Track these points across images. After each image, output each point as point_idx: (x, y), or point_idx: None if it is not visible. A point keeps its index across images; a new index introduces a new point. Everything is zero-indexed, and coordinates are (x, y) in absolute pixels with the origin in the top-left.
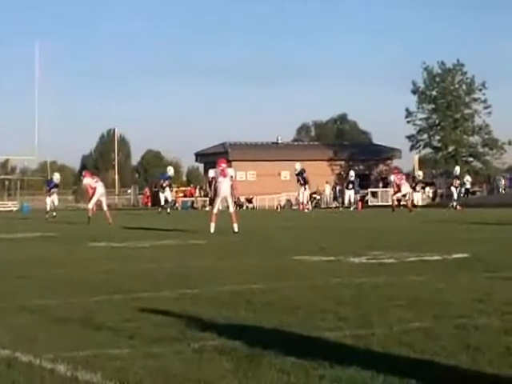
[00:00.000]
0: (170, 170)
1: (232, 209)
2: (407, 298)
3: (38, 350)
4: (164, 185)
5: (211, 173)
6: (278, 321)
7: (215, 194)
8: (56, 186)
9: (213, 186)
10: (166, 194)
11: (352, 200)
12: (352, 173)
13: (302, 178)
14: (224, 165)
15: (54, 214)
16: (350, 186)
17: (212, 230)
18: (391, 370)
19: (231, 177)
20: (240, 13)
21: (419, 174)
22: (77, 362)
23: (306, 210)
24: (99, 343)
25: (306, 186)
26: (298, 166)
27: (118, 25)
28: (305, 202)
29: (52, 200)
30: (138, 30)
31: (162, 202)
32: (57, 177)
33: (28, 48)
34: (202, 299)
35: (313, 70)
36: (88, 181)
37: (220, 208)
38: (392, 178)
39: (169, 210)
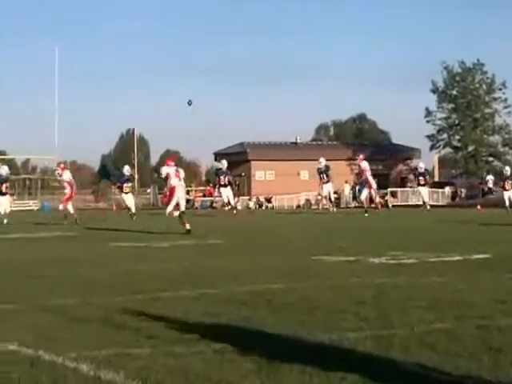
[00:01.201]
0: (128, 171)
1: (183, 208)
2: (428, 299)
3: (60, 349)
4: (126, 190)
5: (164, 170)
6: (299, 321)
7: (171, 194)
8: (128, 179)
9: (168, 184)
10: (127, 199)
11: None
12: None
13: (326, 175)
14: (172, 163)
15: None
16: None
17: (188, 227)
18: (413, 371)
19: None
20: (243, 13)
21: (421, 166)
22: (99, 362)
23: (331, 209)
24: (121, 343)
25: (330, 184)
26: (322, 160)
27: (128, 24)
28: (332, 199)
29: (125, 198)
30: (150, 30)
31: (129, 206)
32: (6, 170)
33: (47, 49)
34: (222, 299)
35: (332, 69)
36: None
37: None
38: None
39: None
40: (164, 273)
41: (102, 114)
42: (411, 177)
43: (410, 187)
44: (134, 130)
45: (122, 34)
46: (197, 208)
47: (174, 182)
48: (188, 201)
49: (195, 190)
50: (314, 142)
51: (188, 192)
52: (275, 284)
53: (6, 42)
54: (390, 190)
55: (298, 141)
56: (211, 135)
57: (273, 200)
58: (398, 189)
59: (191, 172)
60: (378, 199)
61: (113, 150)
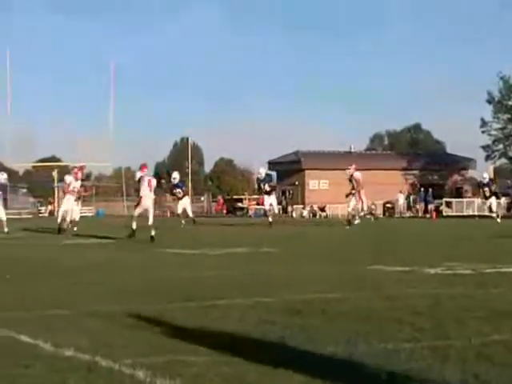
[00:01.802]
0: (176, 177)
1: (151, 221)
2: (485, 310)
3: (116, 356)
4: (179, 196)
5: (138, 174)
6: (354, 331)
7: (138, 203)
8: (177, 185)
9: (141, 190)
10: (179, 205)
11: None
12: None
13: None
14: (146, 170)
15: (186, 220)
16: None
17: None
18: (470, 383)
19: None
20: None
21: (484, 176)
22: (155, 368)
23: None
24: (176, 350)
25: (361, 193)
26: (352, 169)
27: (183, 31)
28: (361, 213)
29: (184, 204)
30: (207, 38)
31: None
32: (5, 176)
33: (103, 57)
34: (277, 307)
35: (386, 79)
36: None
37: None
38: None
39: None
40: (217, 280)
41: (157, 121)
42: (467, 187)
43: (469, 197)
44: (188, 138)
45: (178, 42)
46: (250, 216)
47: (143, 191)
48: (242, 209)
49: (249, 199)
50: (368, 152)
51: (242, 200)
52: (330, 293)
53: (66, 48)
54: (444, 200)
55: (352, 150)
56: (266, 144)
57: (326, 209)
58: (453, 199)
59: (244, 180)
60: (362, 213)
61: (167, 157)
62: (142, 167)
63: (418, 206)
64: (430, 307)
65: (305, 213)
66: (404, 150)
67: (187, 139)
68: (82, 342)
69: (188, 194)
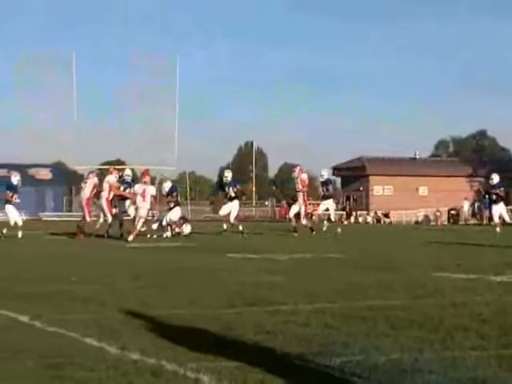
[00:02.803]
0: (227, 177)
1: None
2: None
3: (181, 359)
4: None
5: (137, 187)
6: (419, 338)
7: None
8: (230, 185)
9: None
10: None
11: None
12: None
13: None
14: (148, 177)
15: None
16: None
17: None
18: None
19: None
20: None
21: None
22: (220, 373)
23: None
24: (240, 355)
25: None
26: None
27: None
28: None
29: (230, 207)
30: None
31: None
32: (18, 178)
33: (168, 59)
34: (341, 313)
35: (452, 85)
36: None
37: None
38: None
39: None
40: (281, 285)
41: (222, 125)
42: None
43: None
44: (252, 142)
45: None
46: (314, 222)
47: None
48: (307, 214)
49: (313, 204)
50: (433, 158)
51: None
52: (394, 300)
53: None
54: (511, 207)
55: (417, 156)
56: (330, 149)
57: (391, 215)
58: None
59: (309, 185)
60: (305, 221)
61: (231, 162)
62: (145, 174)
63: (482, 213)
64: (496, 315)
65: (369, 219)
66: (469, 156)
67: (251, 144)
68: (147, 345)
69: (241, 196)
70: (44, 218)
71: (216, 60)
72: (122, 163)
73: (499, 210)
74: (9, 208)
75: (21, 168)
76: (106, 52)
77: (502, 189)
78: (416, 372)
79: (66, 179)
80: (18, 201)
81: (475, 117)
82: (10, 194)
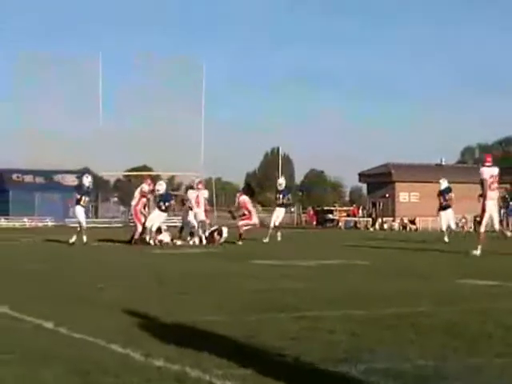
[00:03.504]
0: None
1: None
2: None
3: (205, 366)
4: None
5: (190, 193)
6: (443, 345)
7: None
8: (282, 192)
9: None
10: None
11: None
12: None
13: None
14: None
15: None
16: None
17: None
18: None
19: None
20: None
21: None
22: (245, 380)
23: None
24: (264, 361)
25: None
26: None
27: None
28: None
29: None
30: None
31: None
32: (89, 179)
33: (195, 62)
34: (367, 320)
35: (479, 92)
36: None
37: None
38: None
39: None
40: (307, 292)
41: (248, 131)
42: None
43: None
44: (278, 148)
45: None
46: (340, 228)
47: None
48: (332, 220)
49: (339, 210)
50: (459, 165)
51: (332, 211)
52: (419, 307)
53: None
54: None
55: (443, 163)
56: (356, 155)
57: (416, 222)
58: None
59: (335, 192)
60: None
61: (257, 168)
62: (200, 183)
63: (508, 220)
64: None
65: (395, 225)
66: (495, 163)
67: (278, 150)
68: (172, 351)
69: (289, 206)
70: (70, 225)
71: (240, 63)
72: (149, 169)
73: None
74: (78, 210)
75: (47, 174)
76: (128, 56)
77: None
78: (441, 379)
79: (93, 185)
80: (86, 204)
81: (501, 123)
82: (79, 197)
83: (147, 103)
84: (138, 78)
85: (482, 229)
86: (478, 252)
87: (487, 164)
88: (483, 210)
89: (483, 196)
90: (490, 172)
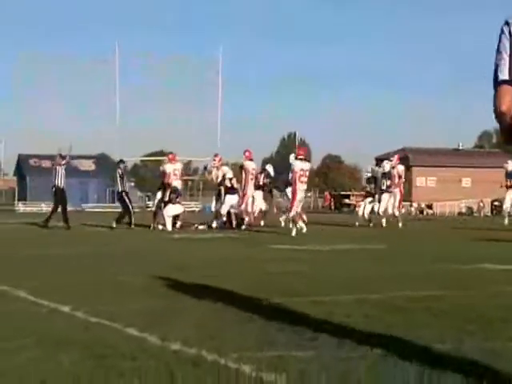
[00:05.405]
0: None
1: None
2: None
3: (222, 350)
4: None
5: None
6: (460, 328)
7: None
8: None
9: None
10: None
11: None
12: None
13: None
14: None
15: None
16: None
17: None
18: None
19: None
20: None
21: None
22: (261, 363)
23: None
24: (282, 344)
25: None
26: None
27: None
28: None
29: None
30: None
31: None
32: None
33: (212, 51)
34: (382, 304)
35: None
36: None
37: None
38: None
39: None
40: (323, 276)
41: (265, 116)
42: None
43: None
44: (295, 133)
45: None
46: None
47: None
48: (349, 205)
49: (356, 195)
50: (476, 149)
51: (349, 196)
52: (434, 291)
53: (174, 45)
54: None
55: (461, 147)
56: (373, 140)
57: (434, 206)
58: None
59: (352, 177)
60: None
61: (274, 153)
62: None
63: None
64: None
65: (412, 210)
66: None
67: (294, 135)
68: (189, 335)
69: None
70: (87, 210)
71: (260, 49)
72: (166, 154)
73: None
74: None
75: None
76: (148, 44)
77: None
78: (458, 362)
79: (110, 170)
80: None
81: None
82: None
83: (164, 90)
84: (155, 63)
85: None
86: None
87: None
88: None
89: None
90: None
